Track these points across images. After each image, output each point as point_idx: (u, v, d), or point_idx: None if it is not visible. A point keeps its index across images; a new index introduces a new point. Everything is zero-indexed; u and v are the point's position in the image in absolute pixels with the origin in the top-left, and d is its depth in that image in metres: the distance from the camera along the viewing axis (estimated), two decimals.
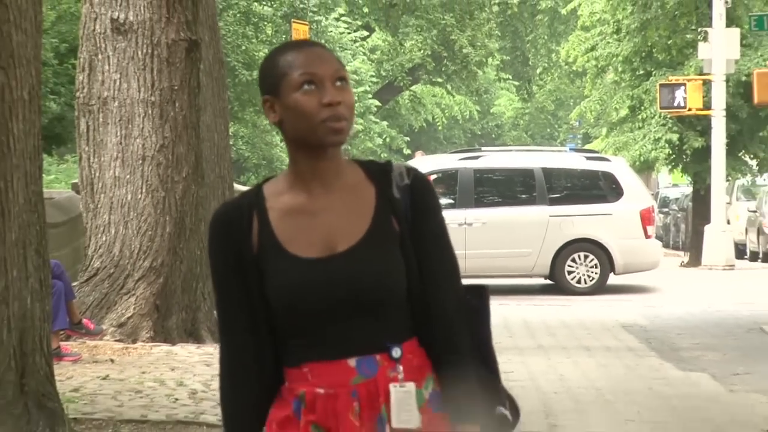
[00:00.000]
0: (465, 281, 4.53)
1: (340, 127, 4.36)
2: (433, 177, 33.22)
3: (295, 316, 4.36)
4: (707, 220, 39.52)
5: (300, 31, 36.88)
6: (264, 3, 43.99)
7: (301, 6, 44.82)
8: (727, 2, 36.68)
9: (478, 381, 4.45)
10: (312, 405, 4.36)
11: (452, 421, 4.36)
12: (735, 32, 37.01)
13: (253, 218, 4.41)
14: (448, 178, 32.81)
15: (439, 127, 62.48)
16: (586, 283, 31.83)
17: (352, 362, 4.33)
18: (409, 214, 4.42)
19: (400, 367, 4.34)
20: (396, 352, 4.34)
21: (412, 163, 37.36)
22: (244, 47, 41.42)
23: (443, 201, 32.40)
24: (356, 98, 51.54)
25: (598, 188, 32.45)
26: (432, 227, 4.46)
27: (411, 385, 4.32)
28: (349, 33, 51.33)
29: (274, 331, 4.43)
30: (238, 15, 41.80)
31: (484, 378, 4.46)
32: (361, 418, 4.31)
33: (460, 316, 4.42)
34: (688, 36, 37.21)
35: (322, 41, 45.74)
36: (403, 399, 4.28)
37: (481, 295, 4.58)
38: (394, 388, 4.30)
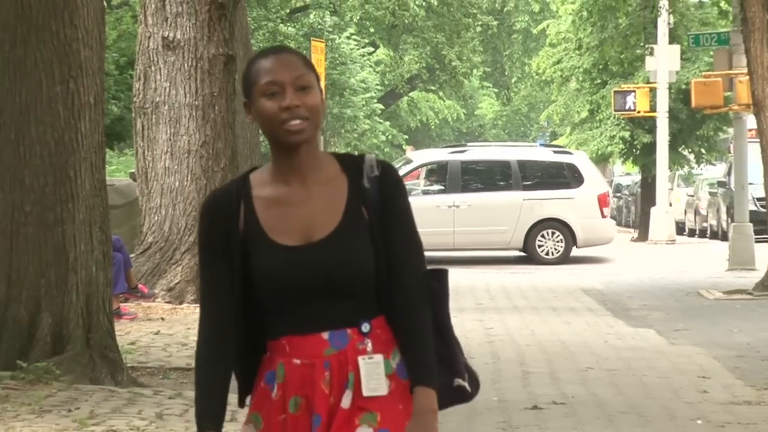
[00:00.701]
0: (441, 263, 4.39)
1: (297, 128, 4.11)
2: (428, 167, 33.24)
3: (275, 296, 4.11)
4: (653, 203, 39.50)
5: (318, 47, 36.70)
6: (289, 24, 43.91)
7: (319, 27, 44.74)
8: (669, 23, 36.69)
9: (437, 353, 4.18)
10: (290, 377, 4.10)
11: (413, 384, 4.10)
12: (676, 48, 37.03)
13: (240, 205, 4.16)
14: (440, 168, 32.84)
15: (432, 127, 62.27)
16: (553, 255, 31.82)
17: (325, 335, 4.08)
18: (378, 202, 4.14)
19: (369, 341, 4.08)
20: (365, 327, 4.08)
21: (409, 155, 37.33)
22: None
23: (436, 187, 32.50)
24: (364, 102, 51.71)
25: (563, 177, 32.46)
26: (398, 214, 4.17)
27: (379, 357, 4.08)
28: (358, 49, 51.16)
29: (254, 305, 4.18)
30: (266, 34, 41.76)
31: (442, 353, 4.17)
32: (331, 385, 4.06)
33: (422, 295, 4.14)
34: (637, 51, 37.14)
35: (336, 56, 45.68)
36: (372, 370, 4.05)
37: (440, 279, 4.25)
38: (362, 360, 4.06)
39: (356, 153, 4.34)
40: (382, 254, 4.11)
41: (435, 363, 4.12)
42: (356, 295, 4.09)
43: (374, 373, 4.05)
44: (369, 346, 4.08)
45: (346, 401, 4.06)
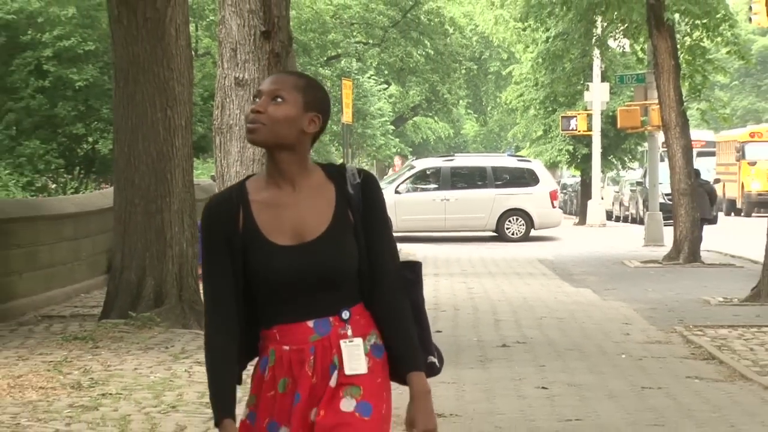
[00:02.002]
0: (404, 257, 3.89)
1: (252, 128, 3.61)
2: (426, 171, 33.22)
3: (269, 289, 3.60)
4: (589, 197, 39.45)
5: (347, 85, 36.54)
6: (326, 68, 43.85)
7: (347, 70, 44.68)
8: (601, 67, 36.59)
9: (416, 339, 3.74)
10: (280, 360, 3.59)
11: (403, 369, 3.65)
12: (606, 85, 36.92)
13: (239, 208, 3.62)
14: (435, 171, 32.78)
15: (430, 142, 62.24)
16: (517, 234, 31.77)
17: (310, 323, 3.58)
18: (361, 207, 3.64)
19: (349, 326, 3.60)
20: (345, 315, 3.59)
21: (411, 162, 37.29)
22: None
23: (432, 186, 32.49)
24: (380, 125, 51.70)
25: (524, 178, 32.48)
26: (378, 218, 3.67)
27: (359, 340, 3.60)
28: (376, 85, 51.12)
29: (250, 297, 3.67)
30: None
31: (419, 334, 3.73)
32: (314, 369, 3.56)
33: (400, 288, 3.67)
34: (578, 87, 37.00)
35: (360, 91, 45.63)
36: (352, 351, 3.58)
37: (415, 270, 3.79)
38: (344, 344, 3.58)
39: (338, 163, 3.80)
40: (363, 251, 3.63)
41: (419, 348, 3.70)
42: (340, 288, 3.61)
43: (354, 354, 3.59)
44: (349, 331, 3.60)
45: (333, 381, 3.59)
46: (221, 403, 3.59)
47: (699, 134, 50.67)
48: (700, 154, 47.33)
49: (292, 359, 3.58)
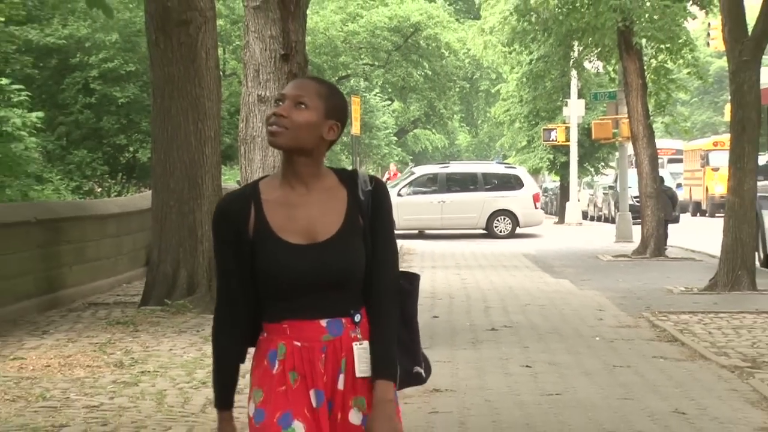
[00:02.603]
0: (402, 267, 3.43)
1: (273, 131, 3.23)
2: (425, 176, 33.20)
3: (280, 286, 3.24)
4: (568, 199, 39.39)
5: (356, 101, 36.56)
6: (337, 86, 43.72)
7: (356, 88, 44.62)
8: (578, 86, 36.51)
9: (400, 344, 3.33)
10: (290, 355, 3.23)
11: (374, 377, 3.26)
12: (582, 102, 36.80)
13: (250, 207, 3.26)
14: (433, 177, 32.76)
15: (429, 151, 62.19)
16: (504, 232, 31.74)
17: (323, 323, 3.23)
18: (370, 212, 3.30)
19: (359, 329, 3.25)
20: (357, 317, 3.25)
21: (411, 169, 37.25)
22: None
23: (430, 189, 32.49)
24: (384, 136, 51.70)
25: (511, 183, 32.45)
26: (384, 224, 3.32)
27: (366, 343, 3.26)
28: (381, 102, 51.12)
29: (256, 293, 3.30)
30: None
31: (408, 343, 3.34)
32: (326, 367, 3.22)
33: (394, 296, 3.29)
34: (558, 103, 36.95)
35: (367, 107, 45.57)
36: (362, 354, 3.23)
37: (412, 281, 3.42)
38: (356, 346, 3.24)
39: (351, 168, 3.45)
40: (370, 256, 3.28)
41: (393, 357, 3.28)
42: (349, 288, 3.25)
43: (364, 357, 3.24)
44: (359, 334, 3.25)
45: (340, 383, 3.24)
46: (222, 394, 3.33)
47: (670, 143, 50.71)
48: (671, 161, 47.48)
49: (303, 356, 3.23)
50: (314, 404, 3.21)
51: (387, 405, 3.23)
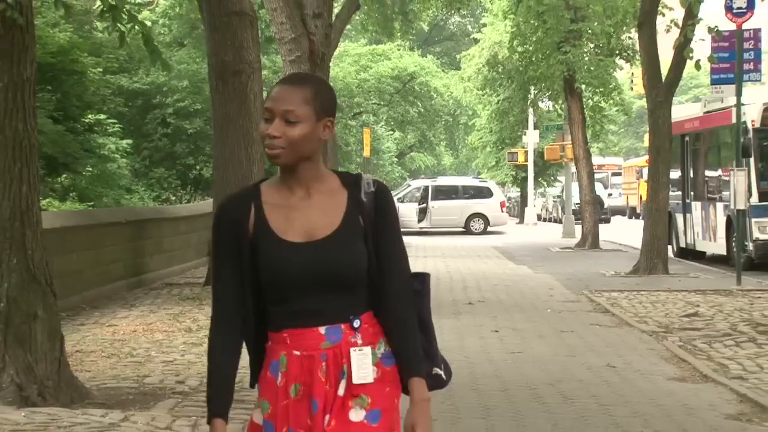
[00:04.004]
0: (413, 262, 2.72)
1: (273, 153, 2.49)
2: (419, 188, 33.15)
3: (279, 287, 2.48)
4: (526, 205, 39.37)
5: (366, 132, 36.49)
6: (352, 120, 43.67)
7: (367, 122, 44.48)
8: (534, 120, 36.44)
9: (420, 347, 2.60)
10: (291, 366, 2.47)
11: (404, 376, 2.52)
12: (537, 132, 36.61)
13: (251, 208, 2.52)
14: (425, 188, 32.73)
15: (421, 169, 62.10)
16: (478, 230, 31.71)
17: (322, 330, 2.47)
18: (372, 214, 2.55)
19: (359, 335, 2.49)
20: (356, 323, 2.49)
21: (408, 182, 37.21)
22: (340, 132, 41.31)
23: (422, 197, 32.44)
24: (388, 158, 51.57)
25: (483, 193, 32.42)
26: (390, 227, 2.57)
27: (367, 349, 2.50)
28: (386, 132, 51.01)
29: (259, 300, 2.52)
30: (340, 126, 41.57)
31: (424, 345, 2.61)
32: (327, 375, 2.46)
33: (409, 297, 2.57)
34: (519, 133, 36.91)
35: (375, 136, 45.40)
36: (361, 360, 2.49)
37: (423, 281, 2.67)
38: (354, 352, 2.49)
39: (355, 173, 2.67)
40: (372, 258, 2.53)
41: (420, 356, 2.58)
42: (349, 292, 2.50)
43: (363, 363, 2.50)
44: (359, 339, 2.50)
45: (341, 390, 2.48)
46: (215, 402, 2.50)
47: (613, 160, 50.53)
48: (613, 174, 47.36)
49: (303, 365, 2.48)
50: (313, 411, 2.48)
51: (425, 405, 2.52)
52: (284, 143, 2.49)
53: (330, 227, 2.52)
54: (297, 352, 2.48)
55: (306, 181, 2.54)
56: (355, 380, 2.48)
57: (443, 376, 2.63)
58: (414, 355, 2.54)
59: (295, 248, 2.49)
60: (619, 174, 47.10)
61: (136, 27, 7.24)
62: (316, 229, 2.51)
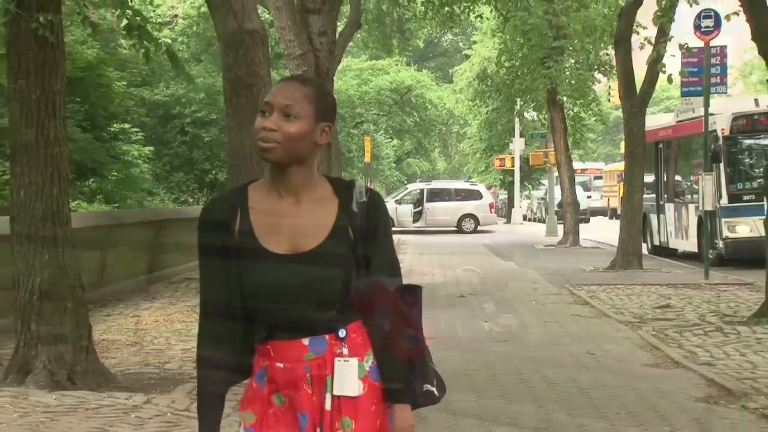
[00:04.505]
0: (404, 278, 2.28)
1: (266, 147, 2.14)
2: (415, 191, 33.13)
3: (261, 299, 2.13)
4: (513, 206, 39.39)
5: (367, 140, 36.42)
6: (354, 129, 43.67)
7: (368, 130, 44.46)
8: (520, 128, 36.43)
9: (411, 362, 2.23)
10: (273, 377, 2.15)
11: (389, 401, 2.17)
12: (522, 140, 36.65)
13: (237, 212, 2.17)
14: (420, 191, 32.75)
15: (418, 173, 62.09)
16: (469, 229, 31.70)
17: (305, 341, 2.13)
18: (364, 223, 2.18)
19: (345, 345, 2.14)
20: (342, 333, 2.14)
21: (406, 185, 37.21)
22: (344, 140, 41.23)
23: (418, 199, 32.43)
24: (387, 163, 51.56)
25: (474, 195, 32.42)
26: (382, 237, 2.20)
27: (354, 360, 2.14)
28: (385, 139, 50.98)
29: (247, 310, 2.16)
30: (344, 135, 41.50)
31: (415, 361, 2.23)
32: (313, 386, 2.13)
33: (397, 306, 2.23)
34: (506, 141, 36.92)
35: (375, 144, 45.40)
36: (345, 371, 2.13)
37: (414, 293, 2.28)
38: (338, 362, 2.13)
39: (348, 179, 2.29)
40: (362, 268, 2.18)
41: (407, 376, 2.20)
42: (334, 304, 2.15)
43: (347, 375, 2.13)
44: (345, 350, 2.14)
45: (327, 403, 2.14)
46: (204, 418, 2.18)
47: (595, 165, 50.52)
48: (596, 178, 47.34)
49: (286, 377, 2.15)
50: (302, 425, 2.16)
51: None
52: (280, 137, 2.15)
53: (317, 239, 2.17)
54: (279, 365, 2.16)
55: (296, 188, 2.19)
56: (336, 392, 2.13)
57: (435, 392, 2.25)
58: (397, 375, 2.18)
59: (278, 260, 2.14)
60: (601, 177, 47.12)
61: (162, 44, 7.29)
62: (302, 239, 2.17)
